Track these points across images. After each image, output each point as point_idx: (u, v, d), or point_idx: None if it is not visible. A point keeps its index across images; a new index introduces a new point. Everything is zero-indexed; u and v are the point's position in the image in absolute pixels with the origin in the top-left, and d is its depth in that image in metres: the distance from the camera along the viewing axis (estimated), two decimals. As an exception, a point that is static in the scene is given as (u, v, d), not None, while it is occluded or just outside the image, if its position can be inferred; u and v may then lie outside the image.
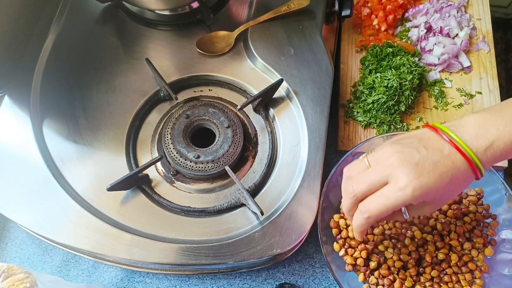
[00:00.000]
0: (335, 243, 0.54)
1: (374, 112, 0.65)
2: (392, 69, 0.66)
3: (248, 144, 0.59)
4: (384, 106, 0.65)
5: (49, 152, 0.57)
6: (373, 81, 0.66)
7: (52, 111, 0.60)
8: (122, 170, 0.56)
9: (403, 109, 0.65)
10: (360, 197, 0.42)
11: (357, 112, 0.67)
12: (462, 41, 0.72)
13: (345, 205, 0.44)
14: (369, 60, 0.70)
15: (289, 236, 0.51)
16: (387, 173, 0.40)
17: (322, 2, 0.66)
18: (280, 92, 0.61)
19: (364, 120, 0.66)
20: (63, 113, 0.60)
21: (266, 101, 0.61)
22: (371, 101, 0.65)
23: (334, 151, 0.67)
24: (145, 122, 0.61)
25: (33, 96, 0.60)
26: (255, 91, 0.61)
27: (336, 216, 0.54)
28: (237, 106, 0.60)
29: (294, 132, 0.58)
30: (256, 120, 0.61)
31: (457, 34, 0.73)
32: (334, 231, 0.54)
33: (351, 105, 0.69)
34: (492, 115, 0.40)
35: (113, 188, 0.52)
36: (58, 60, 0.63)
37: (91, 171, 0.56)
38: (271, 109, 0.61)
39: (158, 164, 0.58)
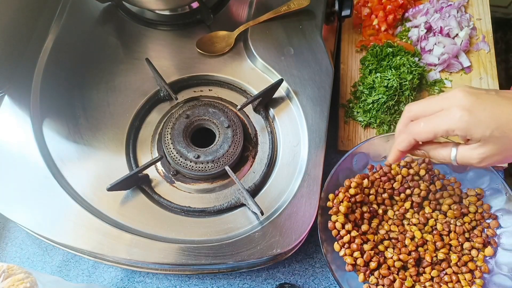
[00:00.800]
0: (335, 243, 0.54)
1: (374, 112, 0.66)
2: (392, 69, 0.66)
3: (248, 144, 0.59)
4: (384, 106, 0.65)
5: (49, 152, 0.57)
6: (373, 81, 0.66)
7: (52, 111, 0.60)
8: (122, 170, 0.56)
9: (403, 109, 0.65)
10: (413, 116, 0.43)
11: (357, 112, 0.67)
12: (462, 41, 0.72)
13: (398, 125, 0.45)
14: (369, 60, 0.70)
15: (289, 236, 0.51)
16: (447, 101, 0.40)
17: (322, 2, 0.66)
18: (280, 92, 0.61)
19: (364, 120, 0.66)
20: (63, 113, 0.60)
21: (266, 101, 0.61)
22: (371, 101, 0.65)
23: (334, 151, 0.67)
24: (145, 122, 0.61)
25: (33, 96, 0.60)
26: (255, 91, 0.61)
27: (333, 217, 0.54)
28: (237, 106, 0.60)
29: (294, 132, 0.58)
30: (256, 120, 0.61)
31: (457, 34, 0.73)
32: (334, 231, 0.54)
33: (351, 105, 0.69)
34: None
35: (113, 188, 0.52)
36: (58, 60, 0.63)
37: (91, 171, 0.56)
38: (271, 109, 0.61)
39: (158, 164, 0.58)
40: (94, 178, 0.56)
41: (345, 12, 0.69)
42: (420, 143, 0.45)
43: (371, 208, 0.56)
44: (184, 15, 0.68)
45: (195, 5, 0.68)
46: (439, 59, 0.70)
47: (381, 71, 0.67)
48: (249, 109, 0.62)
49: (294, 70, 0.61)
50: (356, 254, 0.52)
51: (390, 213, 0.57)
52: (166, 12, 0.68)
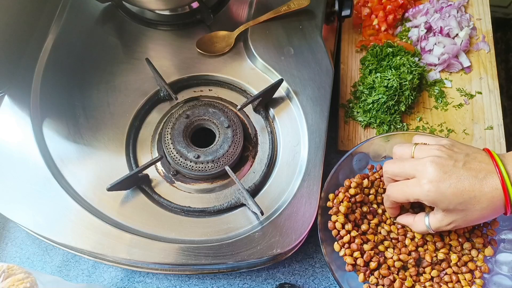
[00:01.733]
0: (335, 243, 0.54)
1: (374, 112, 0.66)
2: (392, 69, 0.66)
3: (248, 144, 0.59)
4: (384, 106, 0.65)
5: (49, 152, 0.57)
6: (373, 81, 0.66)
7: (52, 111, 0.60)
8: (122, 170, 0.56)
9: (403, 109, 0.65)
10: (391, 178, 0.49)
11: (357, 112, 0.67)
12: (462, 41, 0.72)
13: (383, 178, 0.51)
14: (369, 60, 0.70)
15: (289, 236, 0.51)
16: (419, 169, 0.44)
17: (322, 2, 0.66)
18: (280, 92, 0.61)
19: (364, 120, 0.66)
20: (63, 113, 0.60)
21: (266, 101, 0.61)
22: (371, 101, 0.65)
23: (334, 151, 0.67)
24: (145, 122, 0.61)
25: (33, 96, 0.60)
26: (255, 91, 0.61)
27: (333, 218, 0.54)
28: (237, 106, 0.60)
29: (294, 132, 0.58)
30: (256, 120, 0.61)
31: (457, 34, 0.73)
32: (334, 231, 0.54)
33: (351, 105, 0.69)
34: None
35: (113, 188, 0.52)
36: (58, 60, 0.63)
37: (91, 171, 0.56)
38: (271, 109, 0.61)
39: (158, 164, 0.58)
40: (94, 178, 0.56)
41: (345, 12, 0.69)
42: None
43: (371, 208, 0.56)
44: (184, 15, 0.68)
45: (195, 5, 0.68)
46: (439, 59, 0.70)
47: (381, 71, 0.67)
48: (249, 109, 0.62)
49: (294, 70, 0.61)
50: (356, 254, 0.52)
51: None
52: (166, 12, 0.68)
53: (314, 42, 0.63)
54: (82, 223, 0.52)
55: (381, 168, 0.59)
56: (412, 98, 0.66)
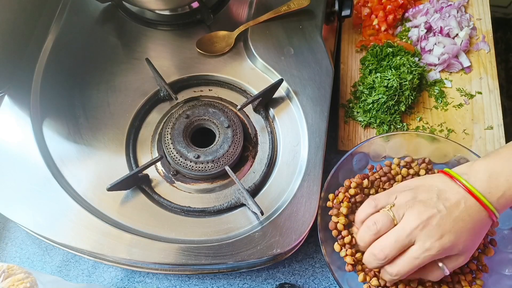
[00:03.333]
0: (335, 243, 0.53)
1: (374, 112, 0.66)
2: (392, 69, 0.66)
3: (248, 144, 0.59)
4: (384, 106, 0.65)
5: (49, 152, 0.57)
6: (373, 81, 0.66)
7: (52, 111, 0.60)
8: (122, 170, 0.56)
9: (403, 109, 0.65)
10: (391, 260, 0.46)
11: (357, 112, 0.67)
12: (462, 41, 0.72)
13: (372, 264, 0.47)
14: (369, 60, 0.70)
15: (289, 236, 0.51)
16: (413, 236, 0.44)
17: (322, 2, 0.66)
18: (280, 92, 0.61)
19: (364, 120, 0.66)
20: (63, 113, 0.60)
21: (266, 101, 0.61)
22: (371, 101, 0.65)
23: (334, 151, 0.67)
24: (145, 122, 0.61)
25: (33, 96, 0.60)
26: (255, 91, 0.61)
27: (334, 218, 0.54)
28: (237, 106, 0.60)
29: (294, 132, 0.58)
30: (256, 120, 0.61)
31: (457, 34, 0.73)
32: (334, 232, 0.53)
33: (351, 105, 0.69)
34: (501, 164, 0.44)
35: (113, 188, 0.52)
36: (58, 60, 0.63)
37: (91, 171, 0.56)
38: (271, 109, 0.61)
39: (158, 164, 0.58)
40: (94, 178, 0.56)
41: (345, 12, 0.69)
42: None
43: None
44: (184, 15, 0.68)
45: (195, 5, 0.68)
46: (439, 59, 0.70)
47: (381, 71, 0.67)
48: (249, 109, 0.62)
49: (294, 70, 0.61)
50: (358, 255, 0.52)
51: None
52: (166, 12, 0.68)
53: (314, 42, 0.63)
54: (82, 223, 0.52)
55: (381, 168, 0.58)
56: (412, 98, 0.66)
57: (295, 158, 0.57)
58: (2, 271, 0.43)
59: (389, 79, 0.65)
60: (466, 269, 0.52)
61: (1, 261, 0.61)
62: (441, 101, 0.69)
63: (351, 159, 0.58)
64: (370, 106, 0.66)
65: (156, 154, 0.59)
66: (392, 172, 0.58)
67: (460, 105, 0.69)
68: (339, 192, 0.55)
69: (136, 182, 0.55)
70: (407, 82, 0.65)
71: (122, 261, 0.55)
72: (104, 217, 0.53)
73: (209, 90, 0.64)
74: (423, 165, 0.58)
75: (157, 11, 0.68)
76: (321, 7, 0.66)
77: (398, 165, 0.58)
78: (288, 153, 0.57)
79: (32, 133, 0.57)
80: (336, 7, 0.69)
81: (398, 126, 0.66)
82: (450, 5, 0.75)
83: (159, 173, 0.58)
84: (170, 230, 0.53)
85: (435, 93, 0.70)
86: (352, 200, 0.55)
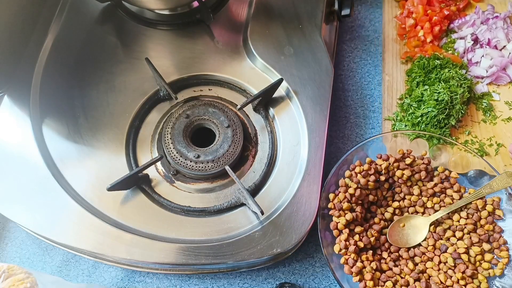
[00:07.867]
0: (335, 243, 0.54)
1: (423, 126, 0.64)
2: (442, 82, 0.64)
3: (248, 144, 0.59)
4: (434, 120, 0.63)
5: (49, 152, 0.57)
6: (422, 94, 0.64)
7: (52, 111, 0.60)
8: (122, 170, 0.56)
9: (453, 122, 0.63)
10: None
11: (405, 126, 0.65)
12: (510, 53, 0.69)
13: None
14: (416, 72, 0.68)
15: (289, 235, 0.51)
16: None
17: (322, 2, 0.66)
18: (280, 91, 0.61)
19: (412, 134, 0.62)
20: (63, 113, 0.60)
21: (266, 100, 0.61)
22: (420, 114, 0.63)
23: (334, 151, 0.67)
24: (145, 122, 0.61)
25: (33, 96, 0.60)
26: (255, 91, 0.61)
27: (335, 218, 0.54)
28: (237, 105, 0.60)
29: (294, 131, 0.58)
30: (256, 119, 0.61)
31: (504, 46, 0.71)
32: (335, 232, 0.54)
33: (398, 117, 0.67)
34: None
35: (113, 188, 0.52)
36: (57, 60, 0.63)
37: (91, 171, 0.56)
38: (271, 108, 0.61)
39: (158, 164, 0.58)
40: (94, 178, 0.56)
41: (345, 12, 0.69)
42: None
43: (371, 209, 0.56)
44: (184, 15, 0.68)
45: (195, 4, 0.68)
46: (487, 72, 0.68)
47: (429, 83, 0.65)
48: (249, 109, 0.62)
49: (294, 69, 0.61)
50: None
51: (389, 213, 0.57)
52: (166, 12, 0.68)
53: (314, 42, 0.63)
54: (82, 223, 0.52)
55: (379, 164, 0.58)
56: (462, 112, 0.64)
57: (295, 158, 0.57)
58: (3, 272, 0.43)
59: (439, 93, 0.63)
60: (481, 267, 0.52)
61: (1, 261, 0.60)
62: (489, 115, 0.67)
63: (351, 159, 0.58)
64: (419, 119, 0.64)
65: (156, 154, 0.59)
66: (395, 173, 0.57)
67: (509, 118, 0.66)
68: (339, 192, 0.55)
69: (136, 182, 0.55)
70: (457, 96, 0.63)
71: (122, 261, 0.55)
72: (104, 217, 0.53)
73: (209, 89, 0.64)
74: (423, 165, 0.58)
75: (156, 11, 0.68)
76: (321, 6, 0.66)
77: (398, 165, 0.58)
78: (288, 152, 0.57)
79: (32, 133, 0.57)
80: (336, 6, 0.69)
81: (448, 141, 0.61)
82: (497, 16, 0.73)
83: (159, 173, 0.58)
84: (170, 230, 0.53)
85: (483, 106, 0.67)
86: (352, 200, 0.55)
